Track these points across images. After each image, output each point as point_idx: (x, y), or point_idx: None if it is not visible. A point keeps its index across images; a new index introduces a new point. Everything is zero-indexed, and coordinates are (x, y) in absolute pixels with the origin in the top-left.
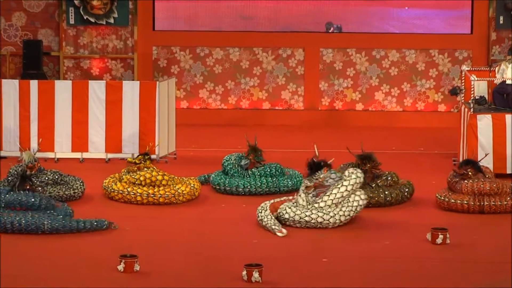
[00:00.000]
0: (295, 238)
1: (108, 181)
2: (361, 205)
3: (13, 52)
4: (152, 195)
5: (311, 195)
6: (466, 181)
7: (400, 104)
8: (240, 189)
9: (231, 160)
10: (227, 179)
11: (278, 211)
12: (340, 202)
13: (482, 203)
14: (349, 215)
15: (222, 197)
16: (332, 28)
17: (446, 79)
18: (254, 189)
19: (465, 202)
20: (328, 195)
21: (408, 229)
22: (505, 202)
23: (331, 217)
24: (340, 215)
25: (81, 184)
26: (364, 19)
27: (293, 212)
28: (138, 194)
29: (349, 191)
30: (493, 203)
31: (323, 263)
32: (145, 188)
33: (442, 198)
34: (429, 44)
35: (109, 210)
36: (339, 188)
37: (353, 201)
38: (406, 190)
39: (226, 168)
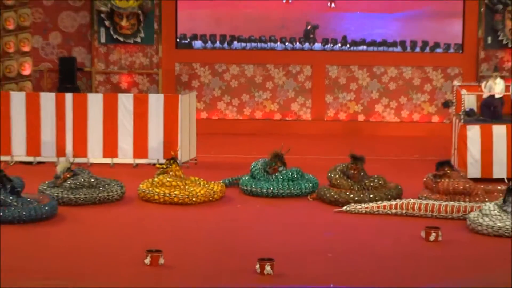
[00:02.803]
0: (303, 235)
1: (143, 184)
2: None
3: (50, 68)
4: (168, 195)
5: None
6: (443, 180)
7: (397, 116)
8: (264, 190)
9: (258, 166)
10: (254, 182)
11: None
12: None
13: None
14: None
15: (242, 198)
16: (309, 26)
17: (439, 93)
18: (276, 191)
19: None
20: None
21: (403, 228)
22: (477, 199)
23: None
24: None
25: (117, 187)
26: (333, 21)
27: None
28: (156, 193)
29: None
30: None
31: (328, 258)
32: (162, 189)
33: (424, 198)
34: (424, 61)
35: (140, 210)
36: None
37: None
38: (390, 193)
39: (254, 173)
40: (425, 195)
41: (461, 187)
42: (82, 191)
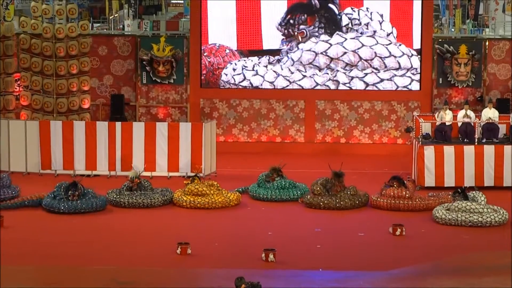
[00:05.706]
0: (298, 231)
1: (176, 193)
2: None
3: (104, 103)
4: (193, 202)
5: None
6: (391, 187)
7: (371, 139)
8: (261, 196)
9: (263, 177)
10: (257, 189)
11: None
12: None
13: (398, 202)
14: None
15: (251, 203)
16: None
17: (402, 121)
18: (271, 197)
19: (385, 201)
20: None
21: (373, 225)
22: (415, 202)
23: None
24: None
25: (158, 195)
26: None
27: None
28: (184, 200)
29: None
30: (406, 202)
31: (317, 248)
32: (188, 197)
33: (374, 198)
34: (391, 97)
35: (172, 213)
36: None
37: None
38: (358, 199)
39: (259, 182)
40: (376, 197)
41: (400, 193)
42: (131, 197)
